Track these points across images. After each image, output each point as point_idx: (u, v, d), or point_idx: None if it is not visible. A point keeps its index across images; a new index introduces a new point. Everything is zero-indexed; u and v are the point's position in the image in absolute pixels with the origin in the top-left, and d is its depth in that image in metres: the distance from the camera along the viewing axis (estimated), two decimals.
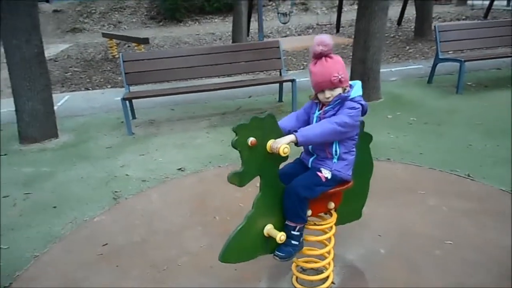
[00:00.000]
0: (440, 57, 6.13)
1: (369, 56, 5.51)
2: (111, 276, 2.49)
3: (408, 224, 2.80)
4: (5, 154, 4.63)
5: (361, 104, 1.96)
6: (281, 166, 1.99)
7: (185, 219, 3.06)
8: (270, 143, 1.83)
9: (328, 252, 2.18)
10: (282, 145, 1.79)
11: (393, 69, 7.81)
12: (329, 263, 2.21)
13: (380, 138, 4.32)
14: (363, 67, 5.57)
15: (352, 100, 1.94)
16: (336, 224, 2.23)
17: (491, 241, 2.56)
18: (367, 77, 5.60)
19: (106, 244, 2.80)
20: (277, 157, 1.84)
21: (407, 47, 10.05)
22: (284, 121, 2.06)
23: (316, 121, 2.01)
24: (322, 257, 2.21)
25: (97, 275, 2.50)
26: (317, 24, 14.89)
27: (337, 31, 13.32)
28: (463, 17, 14.73)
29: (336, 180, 2.01)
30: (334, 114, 1.94)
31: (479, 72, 6.93)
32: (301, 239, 2.03)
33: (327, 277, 2.23)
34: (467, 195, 3.13)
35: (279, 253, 1.98)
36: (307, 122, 2.08)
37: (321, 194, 1.97)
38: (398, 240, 2.65)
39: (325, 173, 1.97)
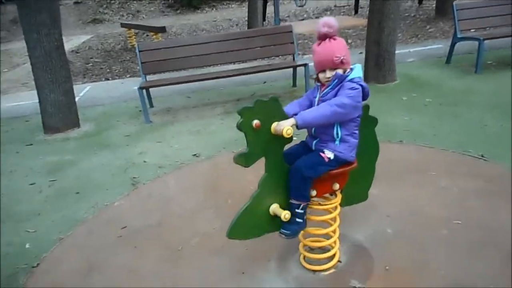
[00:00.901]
0: (459, 36, 5.99)
1: (384, 38, 5.44)
2: (129, 257, 2.63)
3: (417, 205, 2.83)
4: (31, 144, 4.87)
5: (361, 85, 1.99)
6: (286, 148, 2.05)
7: (199, 202, 3.18)
8: (274, 125, 1.89)
9: (334, 231, 2.25)
10: (285, 127, 1.85)
11: (411, 50, 7.67)
12: (335, 242, 2.28)
13: (394, 120, 4.31)
14: (377, 49, 5.52)
15: (351, 81, 1.97)
16: (342, 205, 2.29)
17: (500, 221, 2.56)
18: (382, 59, 5.56)
19: (125, 227, 2.96)
20: (281, 139, 1.91)
21: (428, 27, 9.80)
22: (287, 108, 2.10)
23: (317, 104, 2.06)
24: (328, 237, 2.28)
25: (116, 256, 2.65)
26: (335, 6, 14.66)
27: (356, 12, 13.10)
28: None
29: (339, 161, 2.06)
30: (334, 96, 1.98)
31: (500, 50, 6.72)
32: (305, 217, 2.10)
33: (334, 255, 2.31)
34: (479, 176, 3.11)
35: (285, 231, 2.07)
36: (310, 107, 2.13)
37: (324, 173, 2.03)
38: (406, 220, 2.68)
39: (328, 154, 2.02)
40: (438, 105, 4.68)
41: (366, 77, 5.77)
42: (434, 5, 11.40)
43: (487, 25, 6.54)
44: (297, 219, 2.06)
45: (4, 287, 2.49)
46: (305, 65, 5.34)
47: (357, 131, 2.09)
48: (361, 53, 7.13)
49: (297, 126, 1.91)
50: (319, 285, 2.23)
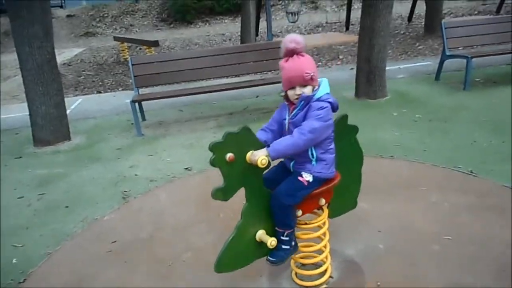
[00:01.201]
0: (447, 53, 6.12)
1: (374, 54, 5.54)
2: (119, 271, 2.59)
3: (408, 220, 2.84)
4: (20, 157, 4.81)
5: (329, 102, 1.98)
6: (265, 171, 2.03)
7: (190, 216, 3.16)
8: (249, 155, 1.88)
9: (325, 246, 2.24)
10: (259, 157, 1.84)
11: (401, 66, 7.80)
12: (326, 257, 2.28)
13: (385, 135, 4.36)
14: (368, 66, 5.60)
15: (319, 100, 1.96)
16: (331, 216, 2.30)
17: (491, 236, 2.58)
18: (372, 75, 5.64)
19: (115, 241, 2.92)
20: (257, 168, 1.88)
21: (417, 44, 10.01)
22: (258, 134, 2.07)
23: (289, 128, 2.04)
24: (319, 252, 2.28)
25: (106, 271, 2.61)
26: (327, 23, 14.89)
27: (347, 28, 13.33)
28: (475, 12, 14.55)
29: (319, 181, 2.05)
30: (304, 117, 1.96)
31: (488, 68, 6.87)
32: (293, 243, 2.09)
33: (325, 271, 2.30)
34: (469, 191, 3.14)
35: (271, 258, 2.07)
36: (280, 131, 2.11)
37: (306, 196, 2.03)
38: (397, 235, 2.69)
39: (306, 177, 2.01)
40: (428, 121, 4.75)
41: (357, 93, 5.85)
42: (423, 23, 11.66)
43: (475, 43, 6.68)
44: (283, 246, 2.06)
45: None
46: None
47: (332, 146, 2.08)
48: (352, 69, 7.25)
49: (271, 158, 1.90)
50: None
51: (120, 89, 8.29)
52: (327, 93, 2.01)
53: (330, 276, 2.33)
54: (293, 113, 2.02)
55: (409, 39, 10.70)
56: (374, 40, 5.48)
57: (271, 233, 2.05)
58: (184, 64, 5.69)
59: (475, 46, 7.26)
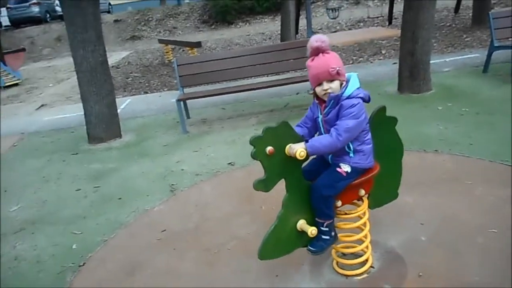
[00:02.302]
0: (495, 45, 5.88)
1: (418, 48, 5.43)
2: (169, 258, 2.77)
3: (451, 213, 2.81)
4: (76, 153, 5.18)
5: (360, 98, 2.02)
6: (305, 164, 2.10)
7: (234, 208, 3.30)
8: (287, 148, 1.96)
9: (365, 237, 2.29)
10: (297, 150, 1.92)
11: (447, 59, 7.56)
12: (366, 247, 2.32)
13: (429, 129, 4.28)
14: (411, 59, 5.51)
15: (349, 97, 2.01)
16: (372, 207, 2.34)
17: None
18: (416, 69, 5.53)
19: (165, 230, 3.11)
20: (296, 160, 1.96)
21: (464, 36, 9.62)
22: (296, 129, 2.13)
23: (322, 126, 2.11)
24: (360, 242, 2.33)
25: (157, 257, 2.80)
26: (368, 17, 14.63)
27: (389, 23, 13.02)
28: None
29: (358, 171, 2.10)
30: (337, 115, 2.01)
31: None
32: (332, 233, 2.16)
33: (366, 260, 2.34)
34: None
35: (311, 248, 2.15)
36: (314, 127, 2.18)
37: (345, 187, 2.09)
38: (440, 228, 2.68)
39: (345, 168, 2.07)
40: (474, 114, 4.61)
41: (400, 87, 5.76)
42: (470, 14, 11.18)
43: None
44: (323, 236, 2.13)
45: (52, 285, 2.67)
46: None
47: (368, 137, 2.13)
48: (395, 63, 7.11)
49: (308, 153, 1.97)
50: None
51: (166, 89, 8.61)
52: (357, 88, 2.05)
53: (371, 266, 2.37)
54: (325, 112, 2.08)
55: (456, 31, 10.30)
56: (418, 33, 5.37)
57: (311, 223, 2.13)
58: (226, 64, 5.86)
59: None
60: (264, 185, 1.97)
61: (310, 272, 2.44)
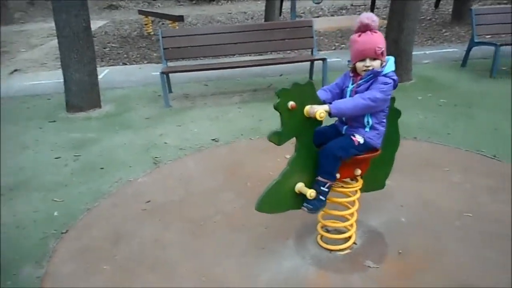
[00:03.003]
0: (475, 40, 6.07)
1: (402, 38, 5.54)
2: (154, 228, 2.77)
3: (430, 197, 2.95)
4: (54, 121, 5.02)
5: (393, 79, 2.11)
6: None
7: (219, 183, 3.32)
8: (308, 108, 2.01)
9: (351, 214, 2.37)
10: (318, 110, 1.97)
11: (427, 52, 7.75)
12: (351, 225, 2.41)
13: (409, 118, 4.42)
14: (395, 48, 5.60)
15: (385, 75, 2.09)
16: (361, 191, 2.42)
17: (510, 216, 2.68)
18: (399, 58, 5.59)
19: (149, 201, 3.10)
20: (313, 121, 2.03)
21: (443, 30, 9.86)
22: (319, 93, 2.21)
23: (350, 95, 2.17)
24: (345, 220, 2.41)
25: (142, 227, 2.79)
26: (351, 5, 14.71)
27: (372, 11, 13.13)
28: (504, 1, 14.16)
29: (367, 147, 2.18)
30: (367, 88, 2.10)
31: None
32: (326, 197, 2.22)
33: (350, 237, 2.43)
34: (491, 174, 3.22)
35: (308, 205, 2.18)
36: (340, 95, 2.25)
37: (351, 157, 2.15)
38: (419, 211, 2.80)
39: (358, 138, 2.15)
40: (452, 106, 4.78)
41: None
42: (450, 10, 11.43)
43: (503, 31, 6.59)
44: (321, 197, 2.18)
45: (34, 251, 2.63)
46: (323, 59, 5.44)
47: (385, 120, 2.21)
48: None
49: (330, 114, 2.03)
50: (335, 263, 2.35)
51: (145, 62, 8.42)
52: (393, 71, 2.13)
53: (354, 243, 2.47)
54: (358, 83, 2.15)
55: (436, 25, 10.54)
56: (404, 23, 5.47)
57: (309, 187, 2.17)
58: (211, 40, 5.77)
59: (503, 35, 7.15)
60: (278, 138, 2.01)
61: (295, 245, 2.51)
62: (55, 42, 5.39)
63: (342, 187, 2.31)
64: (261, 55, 7.41)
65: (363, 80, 2.13)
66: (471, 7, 10.27)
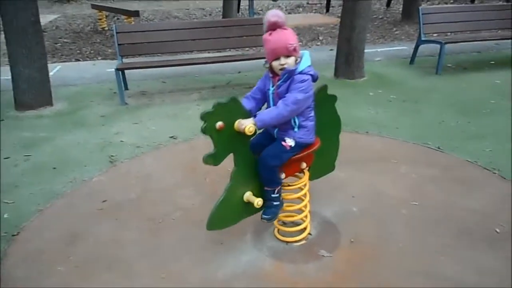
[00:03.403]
0: (422, 38, 6.40)
1: (354, 36, 5.74)
2: (111, 227, 2.75)
3: (379, 188, 3.11)
4: (2, 120, 4.79)
5: (310, 75, 2.15)
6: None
7: (177, 180, 3.32)
8: (236, 123, 2.04)
9: (305, 207, 2.47)
10: (246, 126, 2.00)
11: (378, 50, 8.06)
12: (306, 216, 2.51)
13: (361, 113, 4.61)
14: (348, 46, 5.81)
15: (301, 72, 2.12)
16: (312, 178, 2.53)
17: (453, 203, 2.88)
18: (351, 56, 5.86)
19: (105, 200, 3.05)
20: (245, 135, 2.05)
21: (394, 29, 10.29)
22: (243, 102, 2.20)
23: (272, 98, 2.20)
24: (300, 212, 2.50)
25: (98, 226, 2.76)
26: (307, 3, 14.98)
27: (327, 10, 13.45)
28: (451, 1, 14.95)
29: (301, 146, 2.24)
30: (287, 88, 2.12)
31: (460, 55, 7.24)
32: (281, 198, 2.31)
33: (305, 228, 2.53)
34: (436, 165, 3.44)
35: (266, 216, 2.28)
36: (263, 100, 2.28)
37: (289, 159, 2.22)
38: (369, 200, 2.96)
39: (289, 142, 2.19)
40: (401, 101, 5.03)
41: (336, 73, 6.08)
42: (401, 9, 11.93)
43: (450, 30, 7.00)
44: (274, 203, 2.27)
45: None
46: None
47: (312, 114, 2.27)
48: (331, 50, 7.44)
49: (257, 127, 2.07)
50: (291, 254, 2.44)
51: (100, 58, 8.18)
52: (309, 66, 2.16)
53: (309, 233, 2.57)
54: (277, 84, 2.18)
55: (387, 24, 10.97)
56: (355, 21, 5.67)
57: (257, 195, 2.24)
58: (168, 36, 5.72)
59: (449, 33, 7.59)
60: (213, 159, 2.03)
61: (253, 240, 2.58)
62: (2, 37, 5.12)
63: (289, 185, 2.38)
64: (220, 52, 7.41)
65: (281, 81, 2.15)
66: (420, 6, 10.83)
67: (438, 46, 6.13)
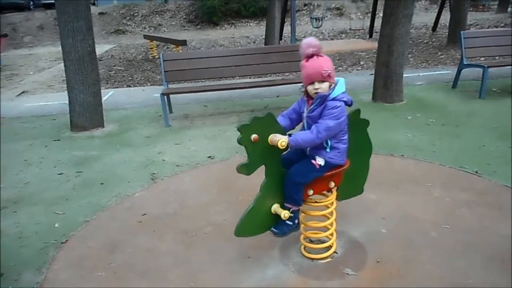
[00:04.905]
0: (465, 62, 6.30)
1: (393, 60, 5.77)
2: (148, 239, 2.94)
3: (410, 211, 3.09)
4: (58, 140, 5.26)
5: (343, 101, 2.25)
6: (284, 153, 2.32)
7: (212, 197, 3.49)
8: (271, 137, 2.18)
9: (331, 224, 2.53)
10: (279, 139, 2.14)
11: (420, 74, 7.98)
12: (331, 234, 2.56)
13: (397, 136, 4.60)
14: (386, 71, 5.84)
15: (334, 99, 2.23)
16: (340, 199, 2.59)
17: (486, 228, 2.81)
18: (390, 80, 5.87)
19: (145, 214, 3.27)
20: (277, 149, 2.18)
21: (439, 53, 10.13)
22: (279, 119, 2.35)
23: (306, 120, 2.33)
24: (326, 230, 2.56)
25: (137, 237, 2.97)
26: (350, 29, 15.10)
27: (370, 36, 13.49)
28: (502, 25, 14.50)
29: (330, 166, 2.33)
30: (320, 113, 2.23)
31: (507, 79, 7.00)
32: (296, 221, 2.40)
33: (331, 246, 2.58)
34: (471, 189, 3.37)
35: (274, 229, 2.38)
36: (298, 120, 2.41)
37: (315, 178, 2.31)
38: (399, 222, 2.95)
39: (319, 161, 2.30)
40: (440, 125, 4.96)
41: (374, 96, 6.10)
42: (447, 33, 11.74)
43: (494, 54, 6.83)
44: (287, 221, 2.37)
45: (34, 260, 2.80)
46: None
47: (345, 137, 2.36)
48: (371, 74, 7.46)
49: (290, 146, 2.20)
50: (316, 271, 2.50)
51: (149, 84, 8.73)
52: (343, 92, 2.28)
53: (335, 252, 2.61)
54: (310, 108, 2.31)
55: (432, 48, 10.83)
56: (393, 46, 5.72)
57: (285, 208, 2.35)
58: (211, 62, 6.05)
59: (496, 57, 7.39)
60: (246, 169, 2.18)
61: (279, 255, 2.66)
62: (62, 65, 5.68)
63: (316, 202, 2.47)
64: (260, 77, 7.68)
65: (314, 105, 2.26)
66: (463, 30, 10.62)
67: (481, 70, 6.00)
